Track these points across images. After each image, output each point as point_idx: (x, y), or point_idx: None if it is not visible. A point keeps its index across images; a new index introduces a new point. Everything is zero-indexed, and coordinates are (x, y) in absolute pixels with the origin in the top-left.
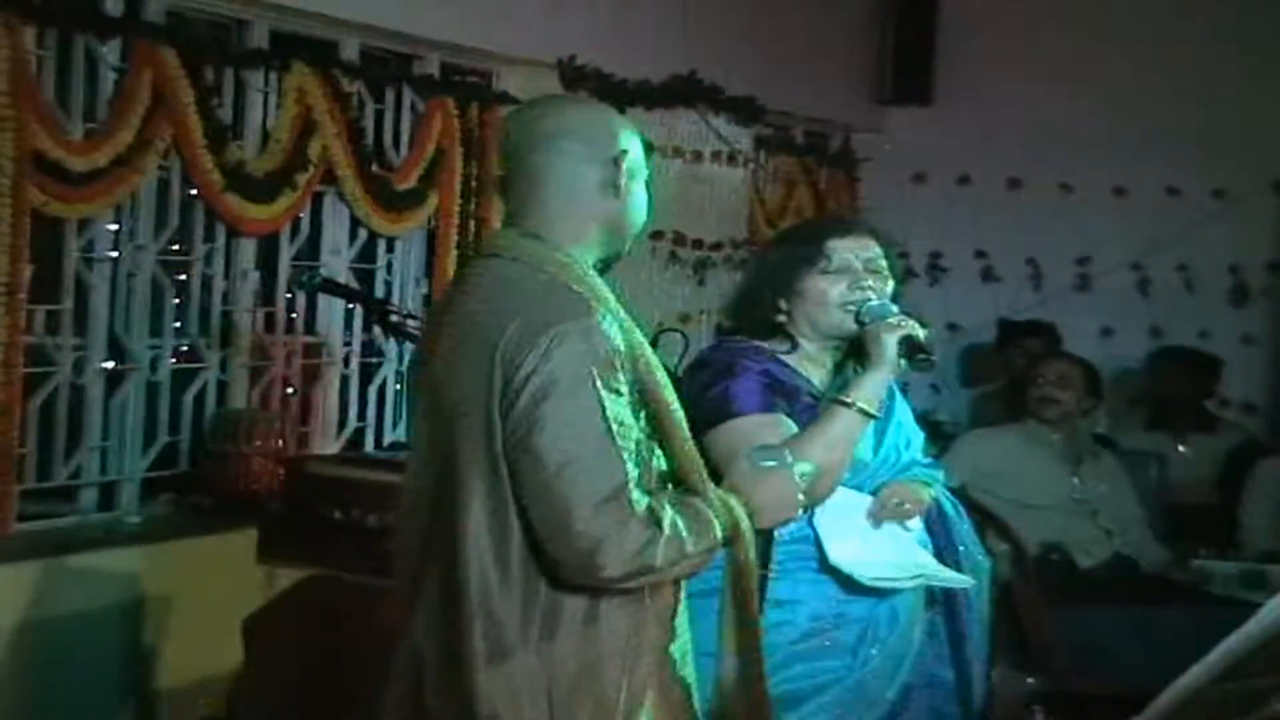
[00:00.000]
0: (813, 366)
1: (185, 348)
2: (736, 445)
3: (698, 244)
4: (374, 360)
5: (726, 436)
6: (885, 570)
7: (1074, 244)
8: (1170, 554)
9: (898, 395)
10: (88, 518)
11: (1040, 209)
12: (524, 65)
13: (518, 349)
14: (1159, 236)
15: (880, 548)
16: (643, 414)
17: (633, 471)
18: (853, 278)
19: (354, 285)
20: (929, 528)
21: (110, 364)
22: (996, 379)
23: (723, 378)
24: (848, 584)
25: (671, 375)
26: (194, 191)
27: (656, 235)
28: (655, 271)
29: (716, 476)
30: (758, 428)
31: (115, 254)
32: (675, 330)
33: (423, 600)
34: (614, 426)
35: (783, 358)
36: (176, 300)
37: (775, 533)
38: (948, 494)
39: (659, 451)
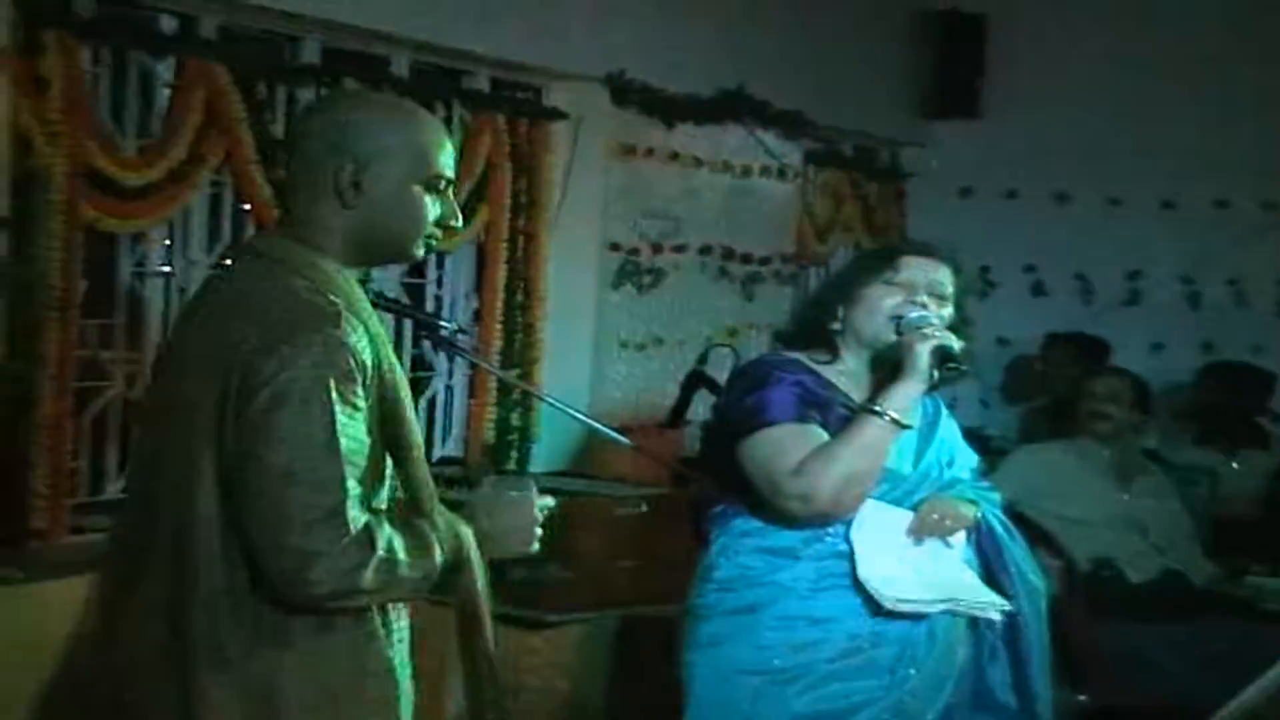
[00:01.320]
0: (850, 381)
1: None
2: (769, 454)
3: (746, 258)
4: (423, 375)
5: (757, 446)
6: (914, 591)
7: (1123, 258)
8: (1220, 570)
9: (944, 412)
10: None
11: (1089, 223)
12: (573, 80)
13: (255, 356)
14: (1209, 250)
15: (918, 566)
16: (380, 431)
17: (354, 489)
18: (910, 293)
19: (404, 300)
20: (978, 547)
21: None
22: (1043, 394)
23: (757, 388)
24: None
25: (719, 388)
26: (245, 206)
27: (705, 249)
28: (704, 285)
29: (746, 485)
30: (788, 438)
31: (167, 268)
32: (725, 346)
33: (136, 602)
34: (342, 442)
35: (820, 370)
36: None
37: (812, 548)
38: (999, 515)
39: (392, 469)
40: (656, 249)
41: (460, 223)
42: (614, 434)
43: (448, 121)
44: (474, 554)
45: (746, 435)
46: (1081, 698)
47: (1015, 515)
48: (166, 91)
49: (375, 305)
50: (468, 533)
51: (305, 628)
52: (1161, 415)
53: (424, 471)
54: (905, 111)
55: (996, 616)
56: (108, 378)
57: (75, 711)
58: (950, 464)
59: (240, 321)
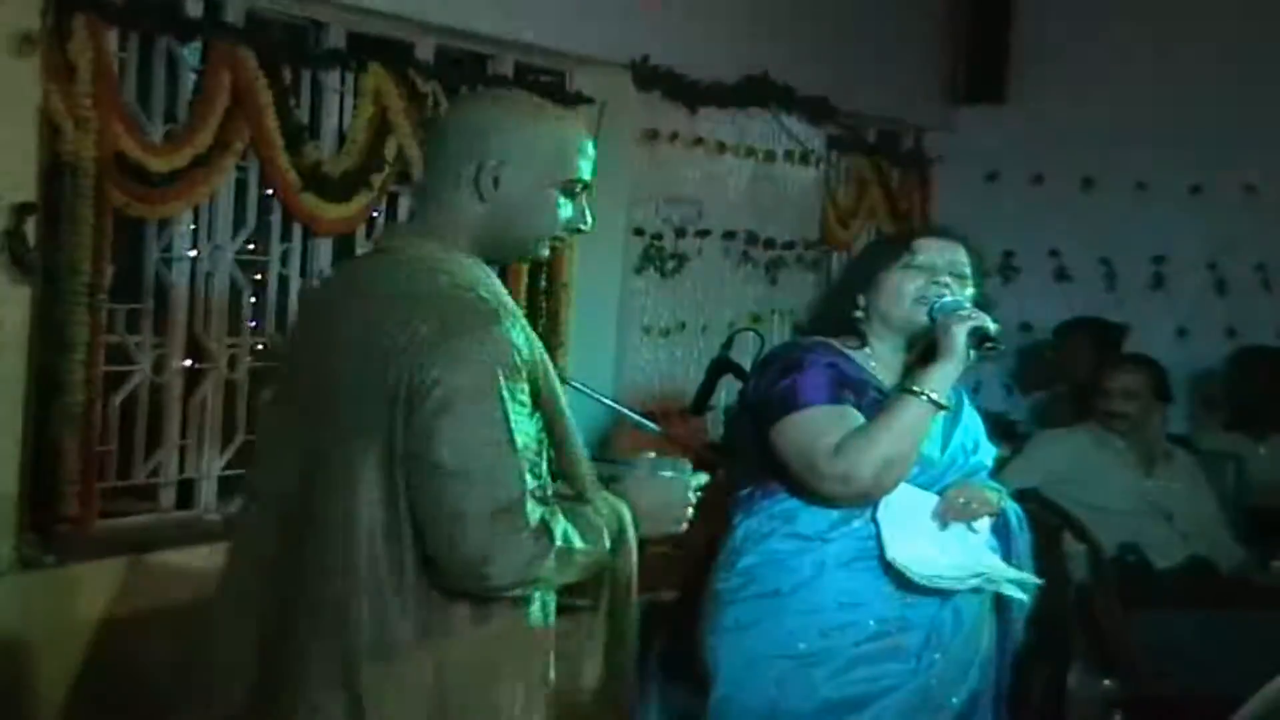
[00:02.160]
0: (881, 366)
1: (260, 346)
2: (807, 436)
3: (770, 244)
4: None
5: (793, 428)
6: (943, 570)
7: (1148, 243)
8: (1249, 556)
9: (967, 400)
10: (167, 515)
11: (1114, 208)
12: (597, 66)
13: (424, 356)
14: (1236, 235)
15: (944, 548)
16: (540, 421)
17: (529, 483)
18: (932, 275)
19: None
20: (997, 535)
21: (188, 363)
22: (1059, 382)
23: (790, 371)
24: (908, 585)
25: (746, 375)
26: (270, 191)
27: (729, 235)
28: (728, 271)
29: (782, 470)
30: (825, 419)
31: (193, 254)
32: (749, 331)
33: (292, 597)
34: (515, 438)
35: (851, 354)
36: (253, 300)
37: (840, 532)
38: (1016, 507)
39: (552, 458)
40: (680, 234)
41: (590, 225)
42: (643, 420)
43: None
44: (630, 533)
45: (782, 418)
46: (1107, 683)
47: (1040, 500)
48: (193, 76)
49: None
50: (626, 513)
51: (467, 613)
52: (1188, 401)
53: (583, 457)
54: (930, 96)
55: (1024, 596)
56: (135, 363)
57: (244, 702)
58: (975, 449)
59: (401, 320)
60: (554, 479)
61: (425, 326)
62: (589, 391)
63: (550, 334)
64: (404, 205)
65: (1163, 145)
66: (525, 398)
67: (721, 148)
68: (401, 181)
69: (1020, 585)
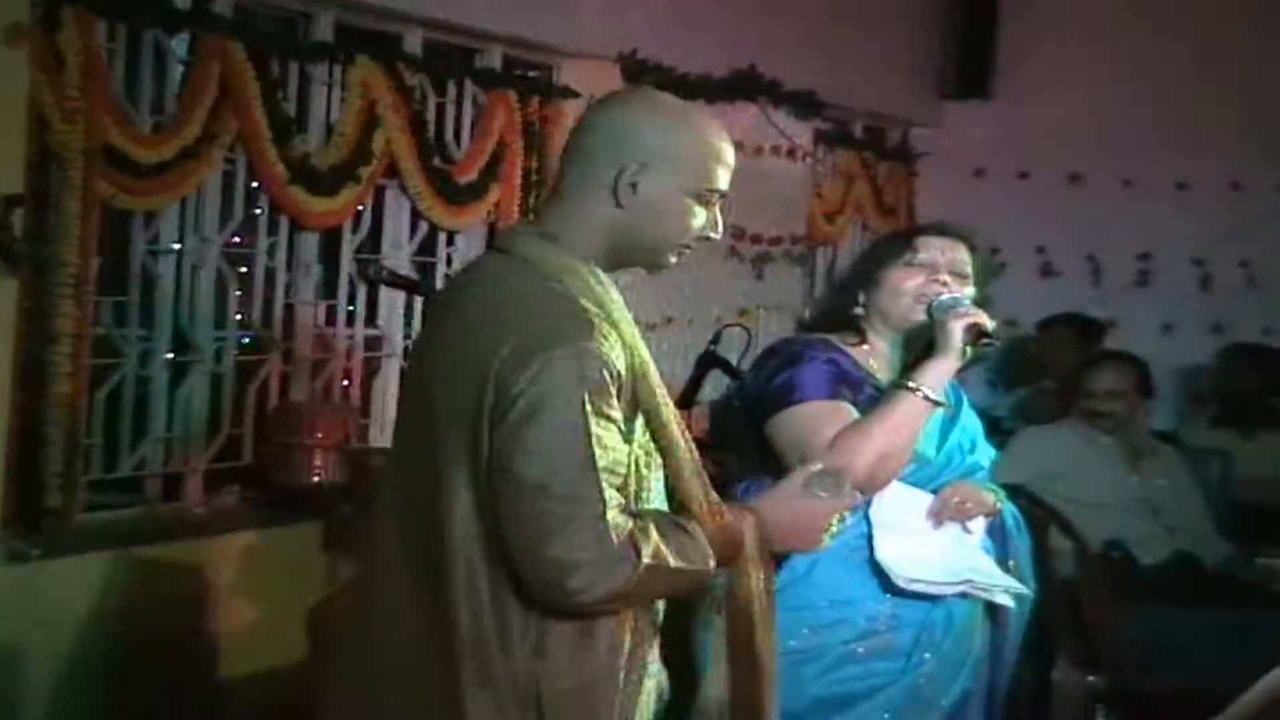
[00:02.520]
0: (879, 363)
1: (246, 340)
2: (802, 430)
3: (757, 239)
4: None
5: (790, 422)
6: (930, 573)
7: (1135, 239)
8: (1234, 551)
9: (965, 400)
10: (153, 508)
11: (1101, 204)
12: (586, 59)
13: (511, 368)
14: (1221, 232)
15: (936, 549)
16: (644, 435)
17: (613, 498)
18: (932, 273)
19: (415, 278)
20: (991, 536)
21: (174, 355)
22: (1043, 377)
23: (789, 366)
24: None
25: (733, 370)
26: (254, 184)
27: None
28: (715, 265)
29: (777, 465)
30: (821, 414)
31: (180, 246)
32: (737, 326)
33: (399, 604)
34: (597, 453)
35: (850, 351)
36: (239, 293)
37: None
38: (1013, 508)
39: (657, 473)
40: None
41: (719, 234)
42: None
43: (459, 100)
44: (754, 548)
45: (778, 412)
46: (1092, 678)
47: (1027, 496)
48: (180, 68)
49: (389, 284)
50: (749, 529)
51: (567, 630)
52: (1174, 396)
53: (690, 472)
54: (917, 92)
55: (1010, 602)
56: (121, 355)
57: (345, 710)
58: (972, 449)
59: (494, 328)
60: (669, 494)
61: (516, 338)
62: None
63: None
64: (390, 198)
65: (1149, 142)
66: (615, 414)
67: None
68: (389, 175)
69: (1007, 589)
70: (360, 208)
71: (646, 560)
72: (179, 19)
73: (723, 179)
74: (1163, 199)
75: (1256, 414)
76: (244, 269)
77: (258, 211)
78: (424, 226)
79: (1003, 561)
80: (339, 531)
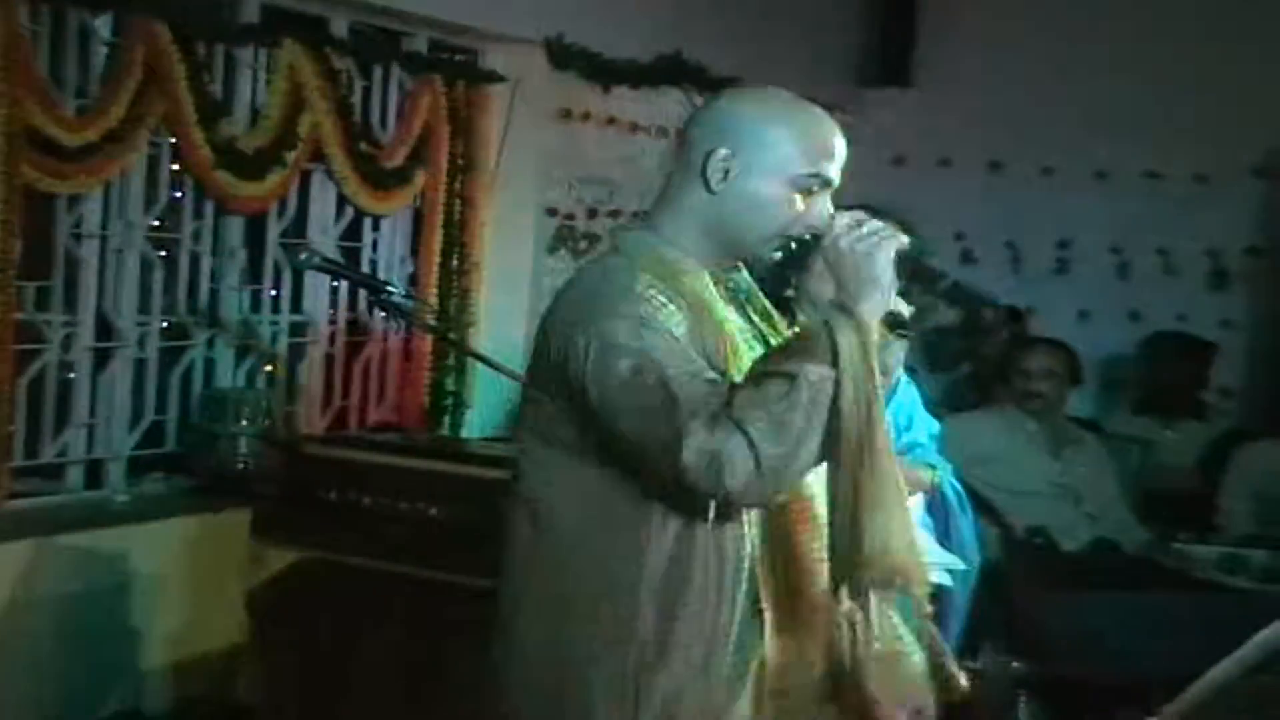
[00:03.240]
0: None
1: (165, 325)
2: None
3: None
4: (359, 339)
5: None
6: None
7: (1054, 227)
8: (1151, 537)
9: (904, 379)
10: (75, 496)
11: (1021, 192)
12: (512, 43)
13: (570, 334)
14: (1139, 220)
15: None
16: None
17: (702, 386)
18: None
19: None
20: (930, 513)
21: (97, 341)
22: (966, 363)
23: None
24: None
25: None
26: (175, 167)
27: (640, 215)
28: None
29: None
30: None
31: (104, 231)
32: None
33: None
34: (672, 368)
35: None
36: (156, 276)
37: None
38: (955, 484)
39: None
40: (592, 214)
41: (823, 227)
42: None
43: (385, 84)
44: (848, 339)
45: None
46: (1016, 665)
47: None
48: (105, 50)
49: (322, 269)
50: (831, 320)
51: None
52: (1092, 383)
53: None
54: (839, 79)
55: (946, 580)
56: (44, 341)
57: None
58: (908, 427)
59: (561, 308)
60: None
61: (571, 310)
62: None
63: (462, 312)
64: (316, 183)
65: (1069, 130)
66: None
67: (634, 127)
68: (315, 159)
69: (940, 566)
70: (285, 192)
71: (756, 423)
72: (103, 0)
73: (826, 167)
74: (1082, 187)
75: (1179, 403)
76: (163, 252)
77: (178, 195)
78: (349, 211)
79: (944, 539)
80: (271, 521)
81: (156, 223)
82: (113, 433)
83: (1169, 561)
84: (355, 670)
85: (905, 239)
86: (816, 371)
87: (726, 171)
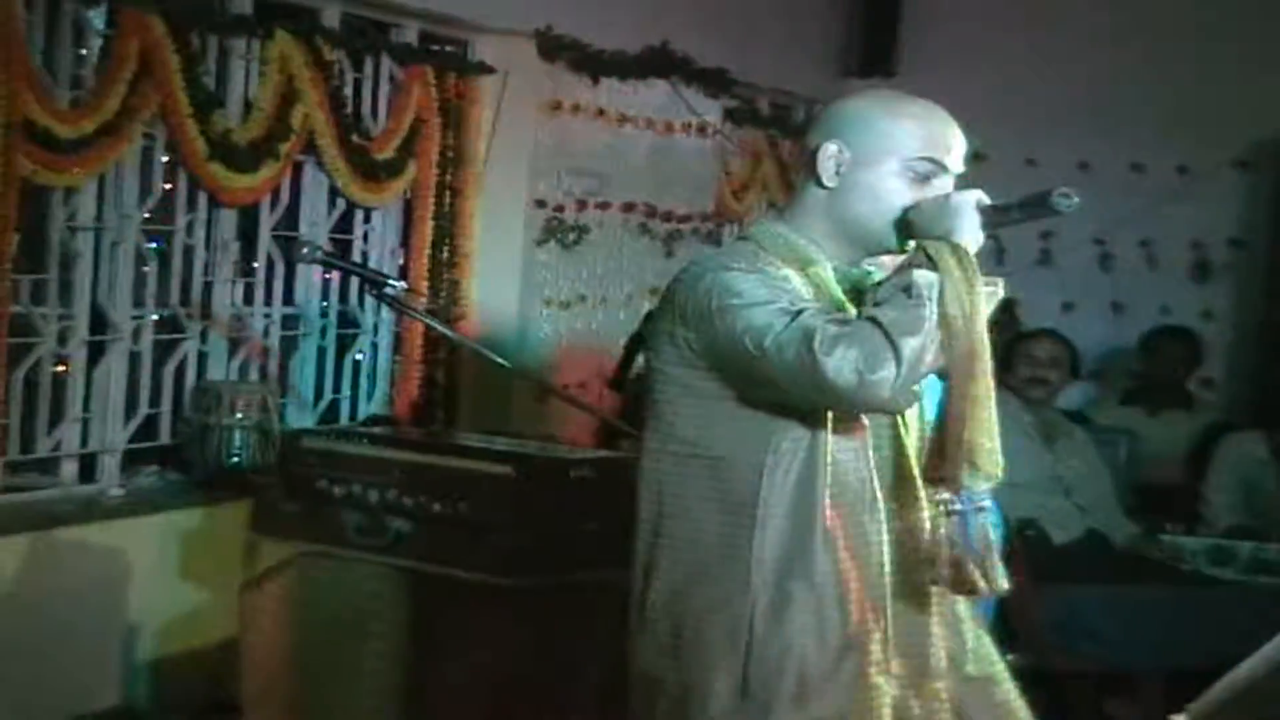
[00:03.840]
0: None
1: (156, 317)
2: None
3: (668, 216)
4: (350, 332)
5: None
6: None
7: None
8: (1140, 530)
9: None
10: (70, 490)
11: (1004, 183)
12: (501, 35)
13: (680, 292)
14: (1122, 212)
15: None
16: None
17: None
18: None
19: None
20: None
21: (92, 334)
22: None
23: None
24: None
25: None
26: (164, 159)
27: (629, 207)
28: (627, 242)
29: None
30: None
31: (98, 224)
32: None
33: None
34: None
35: None
36: (146, 269)
37: None
38: None
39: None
40: (581, 206)
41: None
42: (582, 402)
43: (376, 75)
44: (947, 252)
45: None
46: (1010, 657)
47: None
48: (99, 42)
49: (324, 263)
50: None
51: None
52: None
53: None
54: (823, 69)
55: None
56: (39, 334)
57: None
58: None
59: (685, 274)
60: None
61: (687, 274)
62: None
63: (453, 304)
64: (308, 175)
65: (1052, 122)
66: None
67: (623, 119)
68: (306, 151)
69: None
70: (278, 184)
71: (866, 324)
72: None
73: (938, 151)
74: (1065, 179)
75: (1168, 394)
76: (152, 244)
77: (166, 187)
78: (340, 203)
79: None
80: (269, 514)
81: (147, 215)
82: (107, 426)
83: (1157, 554)
84: (352, 664)
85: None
86: (924, 276)
87: (839, 166)
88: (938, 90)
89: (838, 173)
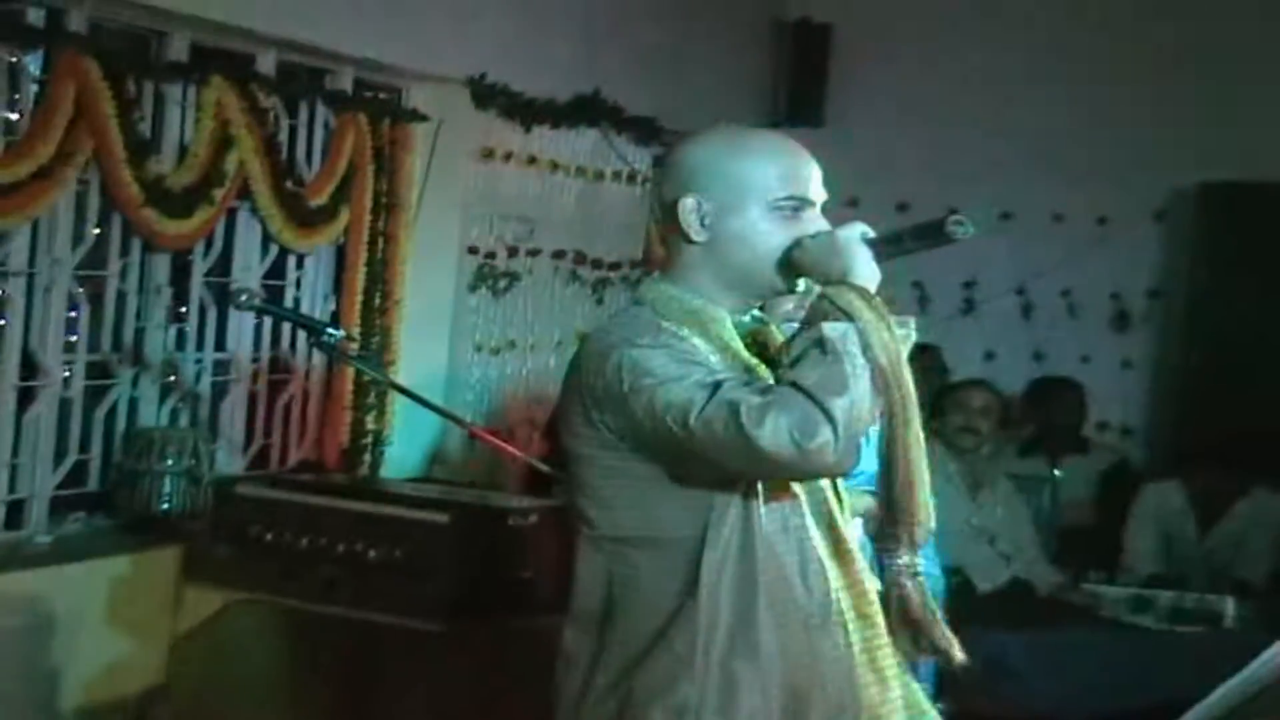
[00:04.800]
0: None
1: (88, 363)
2: None
3: (597, 263)
4: (281, 377)
5: None
6: None
7: (960, 268)
8: (1063, 577)
9: None
10: None
11: None
12: (435, 82)
13: (591, 365)
14: (1043, 262)
15: None
16: None
17: (723, 373)
18: None
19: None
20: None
21: (23, 380)
22: None
23: None
24: None
25: None
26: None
27: (559, 254)
28: (557, 290)
29: None
30: None
31: (31, 269)
32: None
33: None
34: (689, 365)
35: None
36: (75, 314)
37: None
38: None
39: None
40: (512, 252)
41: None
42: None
43: (310, 121)
44: (852, 298)
45: None
46: (939, 706)
47: None
48: (34, 87)
49: (261, 310)
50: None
51: None
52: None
53: None
54: (751, 118)
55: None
56: None
57: None
58: None
59: (588, 349)
60: None
61: (594, 344)
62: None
63: (383, 350)
64: (242, 220)
65: (975, 172)
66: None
67: (554, 166)
68: (241, 196)
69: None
70: (212, 230)
71: (805, 385)
72: (33, 36)
73: (798, 186)
74: (988, 228)
75: (1065, 442)
76: (81, 289)
77: (96, 231)
78: (274, 248)
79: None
80: (202, 562)
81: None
82: (36, 472)
83: (1080, 601)
84: (284, 714)
85: (862, 225)
86: (835, 328)
87: (703, 219)
88: (864, 140)
89: (704, 225)
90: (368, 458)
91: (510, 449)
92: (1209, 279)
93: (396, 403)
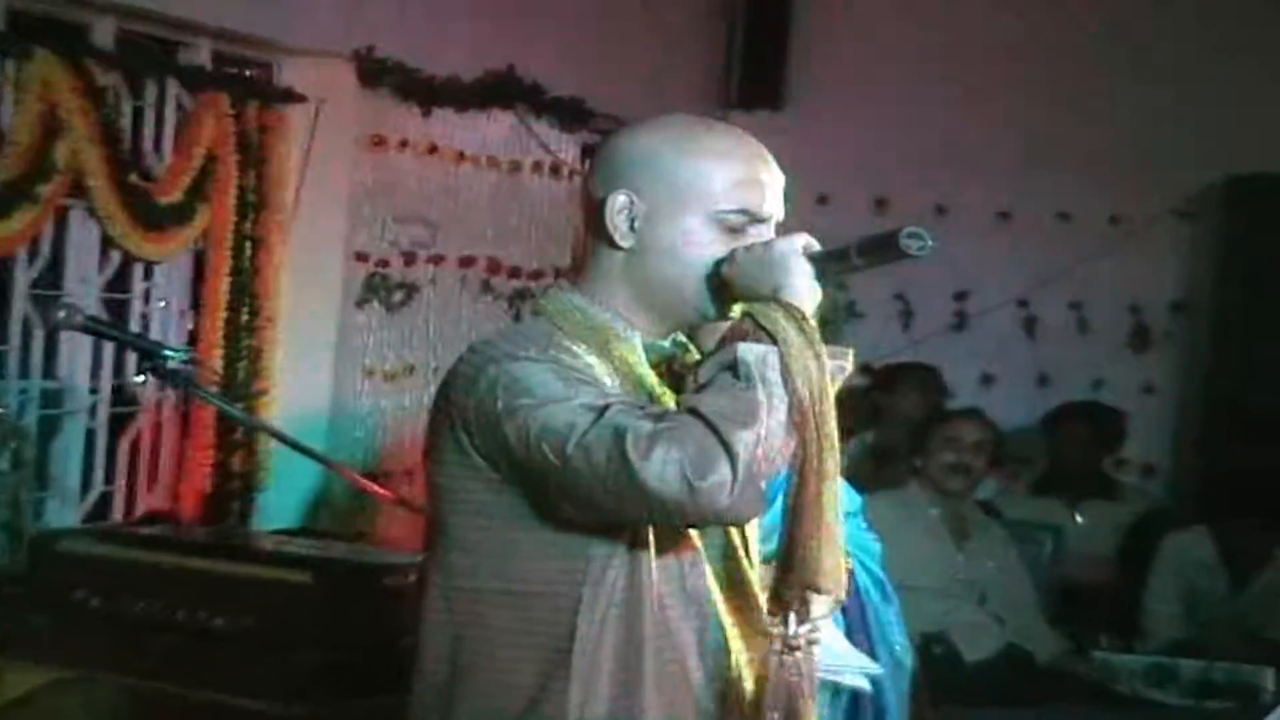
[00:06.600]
0: None
1: None
2: None
3: (515, 272)
4: (126, 410)
5: None
6: None
7: (950, 276)
8: (1068, 644)
9: None
10: None
11: None
12: (313, 57)
13: (467, 377)
14: (1048, 269)
15: None
16: None
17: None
18: None
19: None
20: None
21: None
22: (863, 431)
23: None
24: None
25: None
26: None
27: (467, 261)
28: (465, 304)
29: None
30: None
31: None
32: None
33: None
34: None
35: None
36: None
37: None
38: (874, 569)
39: None
40: (410, 260)
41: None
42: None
43: (160, 103)
44: (785, 323)
45: None
46: None
47: None
48: None
49: (85, 329)
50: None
51: None
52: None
53: None
54: (700, 100)
55: (864, 684)
56: None
57: None
58: None
59: (462, 364)
60: None
61: (475, 356)
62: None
63: (253, 377)
64: (76, 222)
65: (965, 164)
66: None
67: (460, 157)
68: (74, 194)
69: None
70: (38, 233)
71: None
72: None
73: (750, 198)
74: (982, 230)
75: (1085, 481)
76: None
77: None
78: (116, 256)
79: (857, 634)
80: (15, 633)
81: None
82: None
83: (1089, 673)
84: None
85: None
86: (752, 349)
87: (632, 221)
88: (832, 125)
89: (632, 229)
90: (236, 506)
91: (386, 493)
92: (1241, 288)
93: (271, 441)
